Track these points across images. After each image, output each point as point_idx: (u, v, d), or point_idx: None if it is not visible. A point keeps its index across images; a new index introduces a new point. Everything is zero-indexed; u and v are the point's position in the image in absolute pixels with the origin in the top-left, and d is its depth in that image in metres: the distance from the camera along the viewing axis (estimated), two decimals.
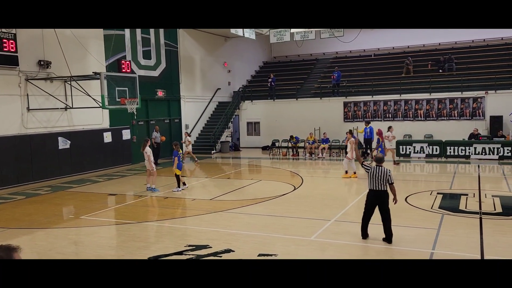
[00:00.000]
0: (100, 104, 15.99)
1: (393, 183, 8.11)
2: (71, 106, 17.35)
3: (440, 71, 25.51)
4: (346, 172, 15.61)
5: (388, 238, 8.11)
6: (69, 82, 17.20)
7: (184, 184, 14.11)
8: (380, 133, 17.04)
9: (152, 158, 14.06)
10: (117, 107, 16.69)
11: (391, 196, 8.24)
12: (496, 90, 22.08)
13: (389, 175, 8.03)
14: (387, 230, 8.09)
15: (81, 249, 8.62)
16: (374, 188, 8.12)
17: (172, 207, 12.04)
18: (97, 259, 7.79)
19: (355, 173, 15.48)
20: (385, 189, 8.09)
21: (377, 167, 8.20)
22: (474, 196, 11.94)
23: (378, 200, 8.12)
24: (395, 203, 8.24)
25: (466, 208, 10.69)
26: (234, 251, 7.87)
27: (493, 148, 18.96)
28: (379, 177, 8.06)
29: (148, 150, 14.01)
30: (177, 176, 13.83)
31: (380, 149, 16.30)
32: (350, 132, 16.22)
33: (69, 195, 14.02)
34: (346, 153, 16.14)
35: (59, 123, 17.36)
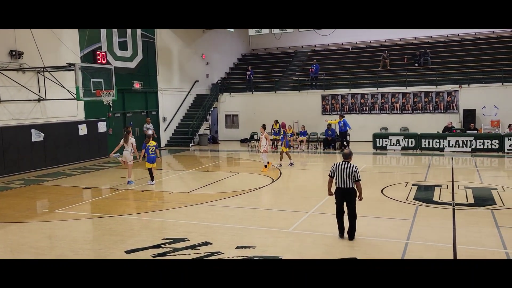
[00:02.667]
0: (75, 96, 15.66)
1: (359, 180, 7.69)
2: (44, 97, 16.92)
3: (416, 65, 25.92)
4: (265, 166, 15.58)
5: (351, 235, 7.83)
6: (42, 73, 16.76)
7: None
8: (283, 125, 16.92)
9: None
10: (92, 99, 16.37)
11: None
12: (469, 84, 22.58)
13: (356, 171, 7.62)
14: (350, 228, 7.81)
15: (55, 243, 8.45)
16: (341, 186, 7.72)
17: (149, 200, 11.92)
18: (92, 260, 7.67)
19: (266, 166, 15.55)
20: (352, 186, 7.69)
21: (344, 162, 7.76)
22: (447, 188, 12.23)
23: (345, 197, 7.75)
24: (360, 200, 7.82)
25: (439, 199, 10.93)
26: (212, 243, 7.86)
27: (466, 140, 19.41)
28: (346, 174, 7.65)
29: (133, 141, 13.82)
30: (149, 169, 13.63)
31: (284, 141, 16.37)
32: (263, 127, 16.21)
33: (43, 189, 13.71)
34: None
35: (32, 115, 16.93)
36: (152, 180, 13.59)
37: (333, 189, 8.05)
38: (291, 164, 16.48)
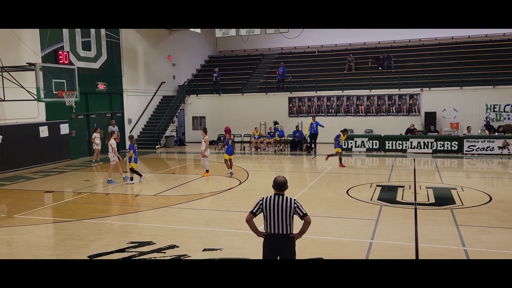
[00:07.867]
0: (35, 97, 15.16)
1: (306, 214, 5.12)
2: (3, 98, 16.27)
3: (380, 68, 26.56)
4: (207, 170, 15.13)
5: None
6: (0, 73, 16.12)
7: (131, 179, 13.89)
8: (227, 130, 15.57)
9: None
10: (54, 100, 15.92)
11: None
12: (430, 88, 23.35)
13: (296, 206, 5.10)
14: None
15: (14, 249, 8.14)
16: (273, 231, 5.15)
17: (114, 203, 11.68)
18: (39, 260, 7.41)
19: (207, 171, 15.14)
20: (291, 231, 5.14)
21: (277, 197, 5.14)
22: (410, 188, 12.58)
23: (280, 250, 5.18)
24: (296, 239, 5.25)
25: (402, 199, 11.23)
26: (178, 246, 7.77)
27: (428, 142, 20.04)
28: (282, 213, 5.07)
29: (113, 143, 13.98)
30: (132, 169, 13.74)
31: (226, 146, 15.26)
32: (204, 130, 15.50)
33: (1, 193, 13.16)
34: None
35: None
36: (136, 177, 13.94)
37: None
38: (230, 174, 15.02)
